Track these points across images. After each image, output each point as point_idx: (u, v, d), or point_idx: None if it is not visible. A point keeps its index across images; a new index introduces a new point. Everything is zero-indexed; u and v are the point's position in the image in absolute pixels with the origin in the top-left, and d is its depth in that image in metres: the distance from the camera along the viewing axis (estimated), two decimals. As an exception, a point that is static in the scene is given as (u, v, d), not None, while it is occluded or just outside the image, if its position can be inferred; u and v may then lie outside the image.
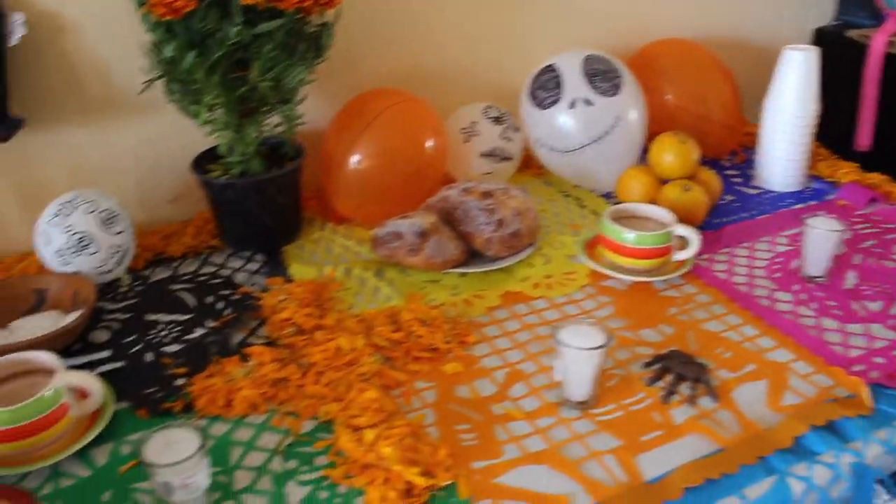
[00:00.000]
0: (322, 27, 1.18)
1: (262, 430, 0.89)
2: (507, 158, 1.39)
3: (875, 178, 1.43)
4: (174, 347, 1.05)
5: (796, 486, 0.80)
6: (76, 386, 0.90)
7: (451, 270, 1.16)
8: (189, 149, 1.31)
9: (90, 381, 0.90)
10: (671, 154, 1.29)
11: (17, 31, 1.16)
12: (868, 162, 1.51)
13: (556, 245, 1.25)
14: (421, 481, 0.78)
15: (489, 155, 1.37)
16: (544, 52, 1.45)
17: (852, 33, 1.71)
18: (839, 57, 1.63)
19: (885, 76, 1.61)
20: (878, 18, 1.69)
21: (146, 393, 0.96)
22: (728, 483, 0.79)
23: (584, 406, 0.90)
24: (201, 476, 0.75)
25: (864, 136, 1.65)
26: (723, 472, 0.80)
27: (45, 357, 0.92)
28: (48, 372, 0.91)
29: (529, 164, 1.49)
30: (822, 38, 1.79)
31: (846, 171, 1.46)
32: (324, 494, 0.80)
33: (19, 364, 0.92)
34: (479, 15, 1.47)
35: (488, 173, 1.37)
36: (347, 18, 1.28)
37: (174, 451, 0.75)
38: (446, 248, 1.14)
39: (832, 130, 1.51)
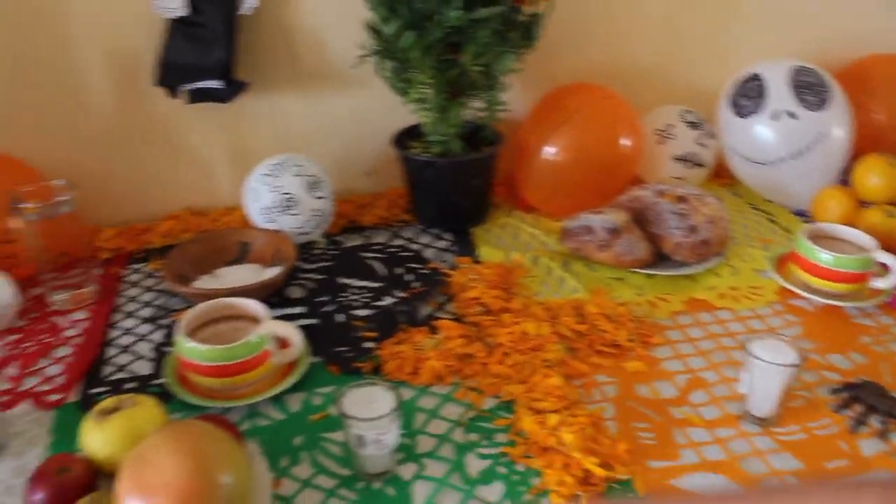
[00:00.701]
0: (533, 17, 1.21)
1: (445, 401, 0.93)
2: (699, 165, 1.37)
3: None
4: (364, 312, 1.11)
5: None
6: (279, 335, 0.96)
7: (638, 270, 1.16)
8: (390, 125, 1.37)
9: (292, 333, 0.96)
10: (877, 176, 1.24)
11: (249, 3, 1.25)
12: None
13: (745, 258, 1.23)
14: (600, 472, 0.79)
15: (682, 159, 1.35)
16: (747, 59, 1.41)
17: None
18: None
19: None
20: None
21: (338, 351, 1.02)
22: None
23: (765, 422, 0.88)
24: (392, 435, 0.80)
25: None
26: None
27: (253, 305, 0.99)
28: (252, 319, 0.98)
29: (721, 173, 1.46)
30: None
31: None
32: (502, 470, 0.82)
33: (227, 308, 1.00)
34: (682, 15, 1.45)
35: (679, 178, 1.36)
36: (562, 17, 1.30)
37: (371, 407, 0.79)
38: (636, 247, 1.14)
39: None
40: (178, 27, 1.25)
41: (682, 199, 1.17)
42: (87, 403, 0.95)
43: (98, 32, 1.25)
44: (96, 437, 0.79)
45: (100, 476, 0.79)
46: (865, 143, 1.38)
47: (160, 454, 0.70)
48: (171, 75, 1.26)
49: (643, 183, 1.28)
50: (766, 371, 0.85)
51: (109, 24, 1.25)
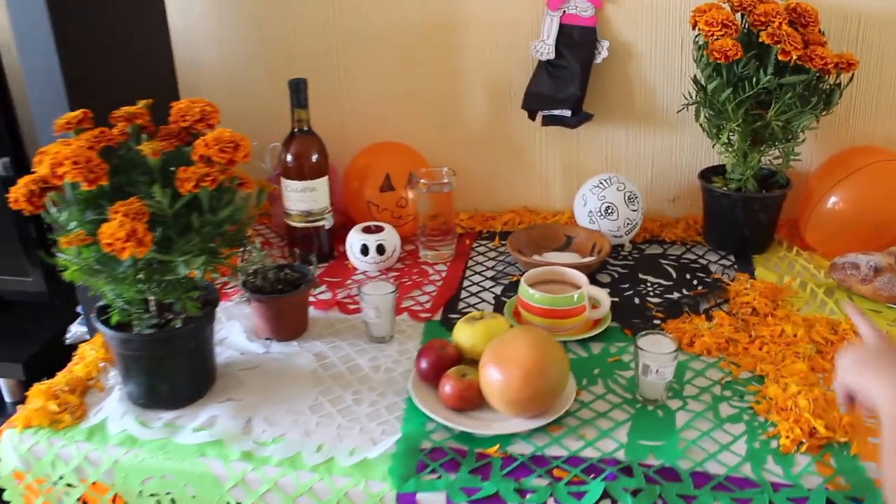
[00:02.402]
0: (835, 86, 1.45)
1: (710, 367, 1.21)
2: (977, 231, 1.52)
3: None
4: (656, 300, 1.42)
5: None
6: (593, 296, 1.30)
7: (893, 306, 1.36)
8: (696, 162, 1.67)
9: (603, 297, 1.30)
10: None
11: (603, 53, 1.62)
12: None
13: None
14: (823, 431, 1.04)
15: (960, 223, 1.52)
16: None
17: None
18: None
19: None
20: None
21: (632, 321, 1.34)
22: None
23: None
24: (669, 370, 1.10)
25: None
26: None
27: (577, 274, 1.34)
28: (574, 285, 1.33)
29: None
30: None
31: None
32: (745, 417, 1.10)
33: (558, 274, 1.36)
34: None
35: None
36: (859, 83, 1.53)
37: (658, 346, 1.10)
38: (895, 286, 1.35)
39: None
40: (544, 66, 1.64)
41: (948, 253, 1.35)
42: (445, 322, 1.35)
43: (482, 65, 1.69)
44: (466, 333, 1.17)
45: (464, 359, 1.17)
46: None
47: (514, 341, 1.07)
48: (534, 102, 1.66)
49: (917, 239, 1.46)
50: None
51: (491, 60, 1.68)
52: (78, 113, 1.03)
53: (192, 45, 1.76)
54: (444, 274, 1.54)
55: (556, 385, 1.07)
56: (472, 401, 1.09)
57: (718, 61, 1.40)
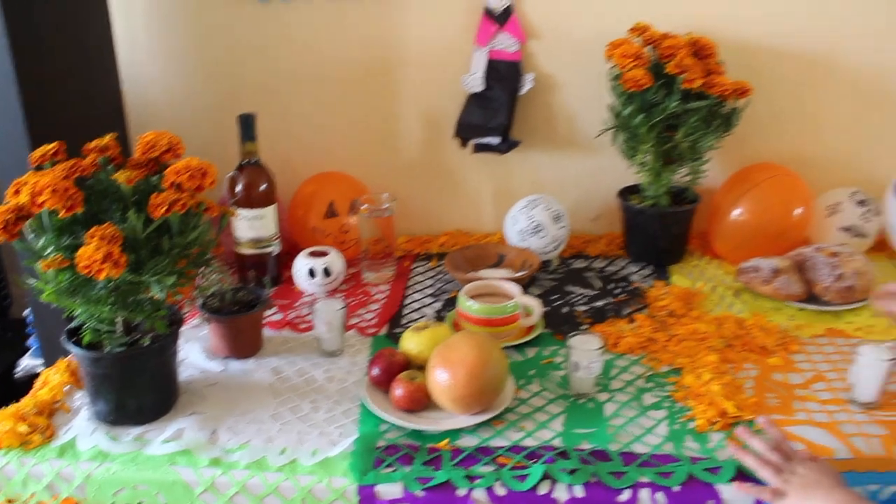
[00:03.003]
0: (733, 110, 1.62)
1: (633, 364, 1.35)
2: (862, 235, 1.70)
3: None
4: (583, 308, 1.55)
5: None
6: (525, 305, 1.43)
7: (792, 303, 1.52)
8: (615, 182, 1.82)
9: (535, 305, 1.43)
10: None
11: (527, 85, 1.76)
12: None
13: (888, 309, 1.55)
14: (733, 410, 1.18)
15: (847, 230, 1.70)
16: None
17: None
18: None
19: None
20: None
21: (562, 327, 1.47)
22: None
23: (869, 406, 1.22)
24: (597, 366, 1.23)
25: None
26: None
27: (510, 286, 1.46)
28: (508, 296, 1.45)
29: (883, 247, 1.76)
30: None
31: None
32: (666, 404, 1.23)
33: (493, 287, 1.48)
34: (869, 114, 1.79)
35: (842, 244, 1.69)
36: (754, 106, 1.70)
37: (587, 345, 1.23)
38: (793, 285, 1.51)
39: None
40: (474, 98, 1.78)
41: (834, 254, 1.52)
42: (391, 336, 1.46)
43: (417, 97, 1.82)
44: (413, 341, 1.28)
45: (412, 365, 1.27)
46: None
47: (458, 344, 1.18)
48: (465, 131, 1.79)
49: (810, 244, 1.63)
50: (869, 362, 1.20)
51: (426, 93, 1.81)
52: (53, 145, 1.12)
53: (139, 83, 1.84)
54: (386, 293, 1.65)
55: (498, 382, 1.18)
56: (421, 402, 1.20)
57: (632, 90, 1.55)
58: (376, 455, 1.12)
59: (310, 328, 1.49)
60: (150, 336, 1.18)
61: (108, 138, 1.16)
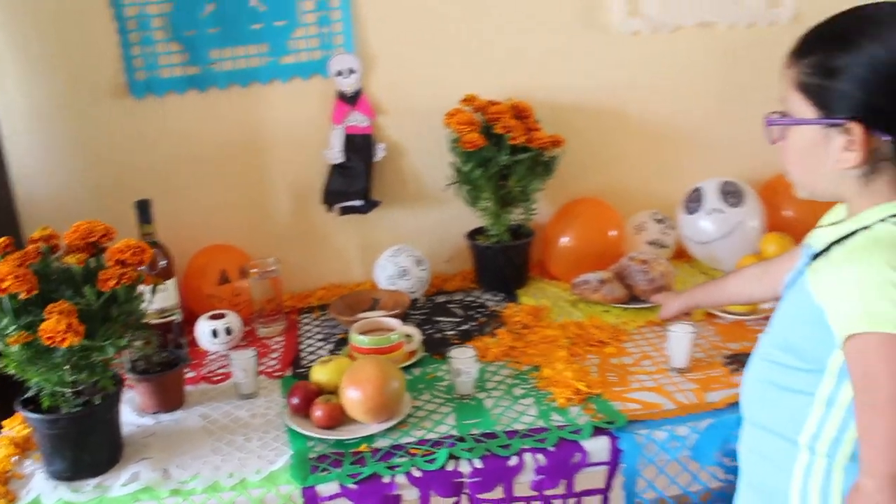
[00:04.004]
0: (552, 158, 2.00)
1: (501, 368, 1.66)
2: (664, 246, 2.12)
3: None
4: (451, 332, 1.85)
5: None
6: (406, 333, 1.71)
7: (617, 305, 1.89)
8: (462, 227, 2.15)
9: (415, 332, 1.72)
10: (774, 245, 1.97)
11: (380, 154, 2.07)
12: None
13: (690, 301, 1.95)
14: (585, 388, 1.51)
15: (652, 243, 2.10)
16: (693, 177, 2.16)
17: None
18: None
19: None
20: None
21: (438, 348, 1.77)
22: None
23: (682, 370, 1.59)
24: (474, 370, 1.53)
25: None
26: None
27: (391, 320, 1.75)
28: (391, 328, 1.73)
29: (682, 254, 2.19)
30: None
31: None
32: (532, 392, 1.55)
33: (377, 323, 1.76)
34: (653, 151, 2.23)
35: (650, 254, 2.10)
36: (568, 154, 2.09)
37: (464, 354, 1.53)
38: (616, 290, 1.88)
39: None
40: (336, 168, 2.07)
41: (644, 261, 1.91)
42: (296, 376, 1.70)
43: (286, 171, 2.09)
44: (321, 372, 1.54)
45: (324, 391, 1.52)
46: (780, 228, 2.09)
47: (363, 366, 1.46)
48: (331, 198, 2.08)
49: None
50: (677, 337, 1.57)
51: (294, 165, 2.08)
52: (3, 239, 1.31)
53: (29, 180, 2.00)
54: (282, 343, 1.89)
55: (399, 393, 1.46)
56: (338, 418, 1.45)
57: (470, 150, 1.89)
58: (311, 464, 1.37)
59: (223, 379, 1.71)
60: (100, 395, 1.37)
61: (48, 230, 1.36)
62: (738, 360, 1.62)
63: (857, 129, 1.03)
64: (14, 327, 1.26)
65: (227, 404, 1.61)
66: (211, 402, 1.63)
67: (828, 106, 1.05)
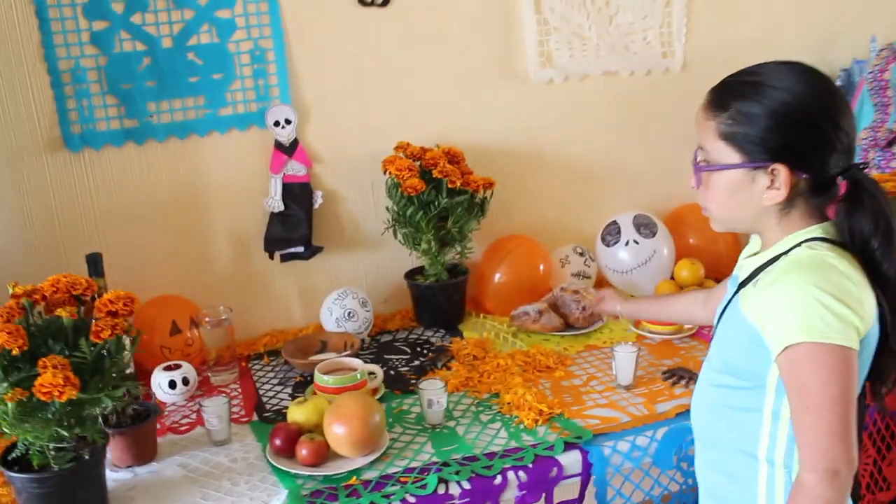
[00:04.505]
0: (484, 198, 2.14)
1: (463, 397, 1.76)
2: (587, 277, 2.28)
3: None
4: (404, 369, 1.94)
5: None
6: (370, 371, 1.79)
7: (556, 333, 2.04)
8: (397, 268, 2.25)
9: (377, 369, 1.80)
10: (686, 270, 2.18)
11: (318, 201, 2.15)
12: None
13: (617, 323, 2.12)
14: (547, 409, 1.63)
15: (577, 275, 2.27)
16: (609, 212, 2.36)
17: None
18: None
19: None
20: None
21: (397, 384, 1.85)
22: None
23: (629, 387, 1.74)
24: (443, 400, 1.63)
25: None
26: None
27: (353, 360, 1.82)
28: (351, 368, 1.80)
29: (602, 282, 2.36)
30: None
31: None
32: (498, 417, 1.66)
33: (338, 363, 1.82)
34: (568, 189, 2.41)
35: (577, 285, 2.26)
36: (498, 196, 2.23)
37: (434, 386, 1.63)
38: (553, 320, 2.03)
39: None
40: (276, 216, 2.13)
41: (575, 292, 2.07)
42: (263, 420, 1.75)
43: (227, 220, 2.13)
44: (299, 412, 1.59)
45: (303, 430, 1.58)
46: (687, 254, 2.31)
47: (346, 402, 1.53)
48: (272, 245, 2.13)
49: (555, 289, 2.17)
50: (623, 356, 1.72)
51: (234, 216, 2.13)
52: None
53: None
54: (238, 390, 1.92)
55: (381, 426, 1.54)
56: (323, 455, 1.51)
57: (411, 194, 2.00)
58: (307, 500, 1.42)
59: (190, 428, 1.73)
60: (88, 450, 1.38)
61: (30, 286, 1.37)
62: (676, 374, 1.79)
63: (782, 170, 1.17)
64: (6, 384, 1.27)
65: (202, 452, 1.63)
66: (184, 451, 1.65)
67: (751, 151, 1.19)
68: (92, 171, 2.03)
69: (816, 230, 1.21)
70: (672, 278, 2.25)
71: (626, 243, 2.24)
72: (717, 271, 2.26)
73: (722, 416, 1.30)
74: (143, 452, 1.60)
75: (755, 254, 1.30)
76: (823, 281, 1.12)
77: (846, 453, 1.11)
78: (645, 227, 2.26)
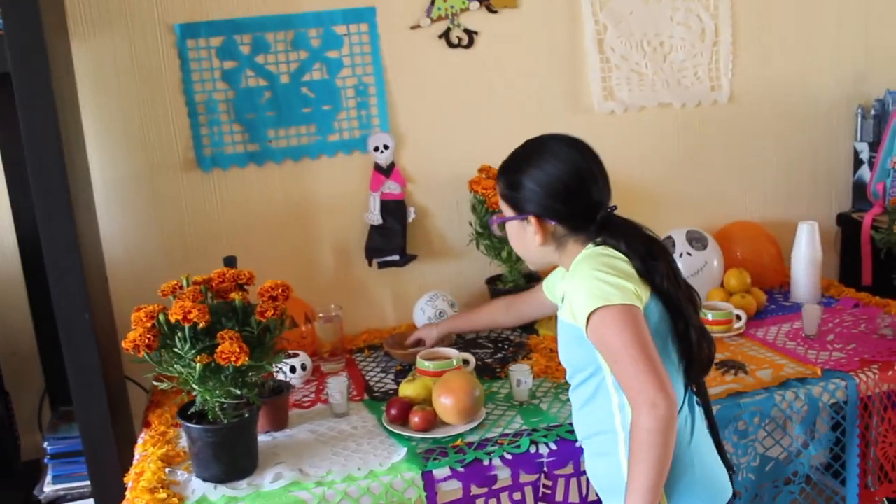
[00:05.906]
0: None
1: (543, 381, 2.06)
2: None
3: (864, 296, 2.52)
4: (490, 360, 2.24)
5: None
6: (464, 359, 2.09)
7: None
8: (479, 275, 2.56)
9: (470, 357, 2.10)
10: (734, 279, 2.46)
11: (411, 215, 2.48)
12: (870, 291, 2.60)
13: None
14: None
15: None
16: (666, 228, 2.63)
17: (856, 215, 2.86)
18: (852, 229, 2.82)
19: (872, 241, 2.72)
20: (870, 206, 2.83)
21: (485, 372, 2.15)
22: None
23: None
24: (529, 380, 1.93)
25: (866, 276, 2.75)
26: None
27: (447, 350, 2.12)
28: (447, 356, 2.11)
29: (658, 291, 2.65)
30: (841, 218, 2.93)
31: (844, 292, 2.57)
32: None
33: (436, 352, 2.13)
34: (628, 208, 2.70)
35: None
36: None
37: (522, 368, 1.93)
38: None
39: (852, 273, 2.69)
40: (375, 229, 2.46)
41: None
42: (372, 399, 2.06)
43: (333, 231, 2.47)
44: (410, 388, 1.90)
45: (414, 403, 1.88)
46: (735, 265, 2.58)
47: (452, 378, 1.83)
48: (371, 254, 2.46)
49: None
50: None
51: (339, 228, 2.47)
52: (171, 283, 1.66)
53: (110, 242, 2.30)
54: (347, 376, 2.23)
55: (481, 399, 1.84)
56: (432, 422, 1.82)
57: (495, 209, 2.32)
58: (422, 457, 1.72)
59: (313, 404, 2.04)
60: (247, 409, 1.70)
61: (201, 277, 1.70)
62: (726, 365, 2.06)
63: (534, 220, 1.56)
64: (194, 351, 1.59)
65: (325, 422, 1.94)
66: (309, 422, 1.96)
67: (518, 207, 1.59)
68: (220, 187, 2.38)
69: (590, 246, 1.56)
70: (722, 286, 2.53)
71: (681, 255, 2.53)
72: (762, 279, 2.54)
73: (585, 411, 1.59)
74: (279, 420, 1.92)
75: (563, 278, 1.68)
76: (598, 264, 1.47)
77: (656, 386, 1.35)
78: (697, 240, 2.55)
